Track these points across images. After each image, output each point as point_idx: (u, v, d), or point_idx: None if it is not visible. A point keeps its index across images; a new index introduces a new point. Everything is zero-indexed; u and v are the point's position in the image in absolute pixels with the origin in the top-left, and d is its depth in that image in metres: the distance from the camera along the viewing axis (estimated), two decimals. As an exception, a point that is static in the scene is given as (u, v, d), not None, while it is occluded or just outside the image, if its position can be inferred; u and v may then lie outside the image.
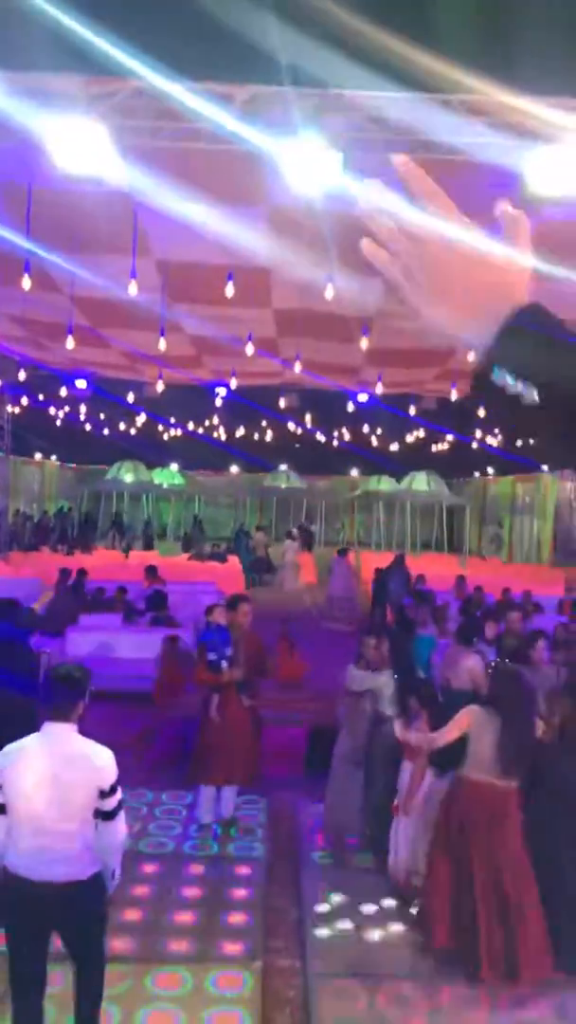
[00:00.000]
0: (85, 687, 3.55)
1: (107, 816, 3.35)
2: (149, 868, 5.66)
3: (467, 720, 4.65)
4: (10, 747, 3.40)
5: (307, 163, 6.42)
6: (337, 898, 5.34)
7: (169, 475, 32.26)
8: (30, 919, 3.36)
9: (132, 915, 5.00)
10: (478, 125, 6.39)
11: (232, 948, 4.73)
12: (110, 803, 3.35)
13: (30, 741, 3.41)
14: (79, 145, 6.31)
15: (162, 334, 11.34)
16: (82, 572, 13.15)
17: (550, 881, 4.51)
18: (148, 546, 25.31)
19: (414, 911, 4.99)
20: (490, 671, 4.97)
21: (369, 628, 6.55)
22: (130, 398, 19.93)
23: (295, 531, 23.94)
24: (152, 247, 9.40)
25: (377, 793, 5.60)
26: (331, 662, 6.94)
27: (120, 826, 3.44)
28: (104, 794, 3.33)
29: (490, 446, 23.68)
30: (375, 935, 4.93)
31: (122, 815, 3.45)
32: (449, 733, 4.72)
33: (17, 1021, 3.41)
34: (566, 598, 13.28)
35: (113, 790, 3.36)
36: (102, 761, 3.37)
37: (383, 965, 4.65)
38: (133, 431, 25.45)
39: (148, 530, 28.12)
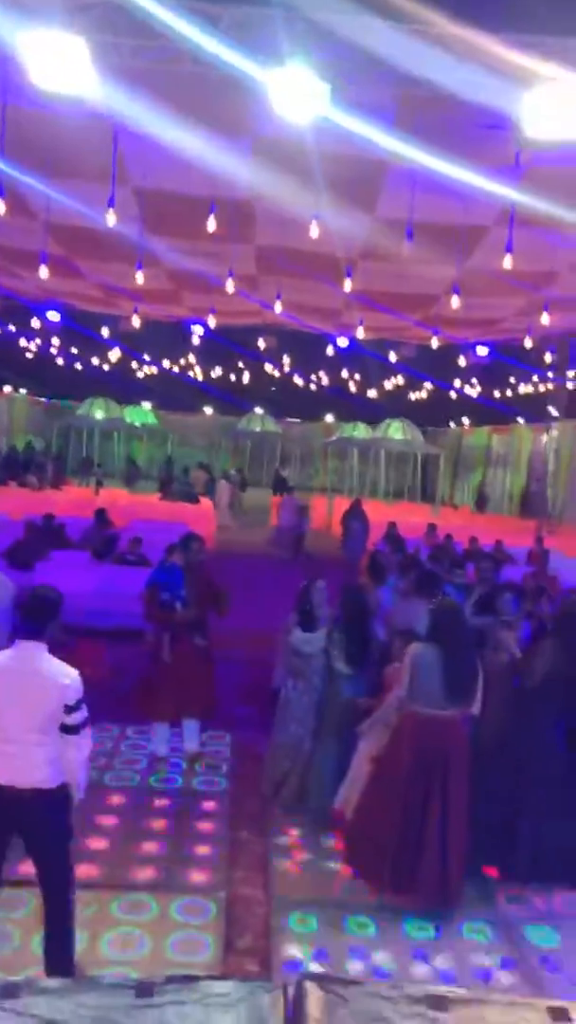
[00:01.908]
0: (56, 608, 3.74)
1: (70, 730, 3.59)
2: (115, 800, 5.74)
3: (409, 657, 4.78)
4: None
5: (295, 93, 6.18)
6: (297, 831, 5.49)
7: (141, 414, 31.82)
8: None
9: (98, 844, 5.08)
10: (471, 65, 6.20)
11: (198, 878, 4.85)
12: (74, 718, 3.59)
13: (3, 656, 3.63)
14: (56, 60, 6.00)
15: (139, 267, 11.04)
16: (48, 516, 13.04)
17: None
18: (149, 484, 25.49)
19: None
20: (430, 607, 5.05)
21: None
22: (104, 332, 19.53)
23: (232, 473, 26.29)
24: (131, 174, 9.08)
25: (335, 754, 5.56)
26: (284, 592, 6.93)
27: (84, 741, 3.67)
28: (69, 709, 3.55)
29: (468, 396, 23.64)
30: (335, 866, 5.08)
31: (86, 732, 3.67)
32: (404, 678, 4.80)
33: None
34: (535, 549, 13.44)
35: (78, 706, 3.59)
36: (68, 679, 3.59)
37: (342, 894, 4.80)
38: (106, 367, 24.99)
39: (132, 469, 28.42)
